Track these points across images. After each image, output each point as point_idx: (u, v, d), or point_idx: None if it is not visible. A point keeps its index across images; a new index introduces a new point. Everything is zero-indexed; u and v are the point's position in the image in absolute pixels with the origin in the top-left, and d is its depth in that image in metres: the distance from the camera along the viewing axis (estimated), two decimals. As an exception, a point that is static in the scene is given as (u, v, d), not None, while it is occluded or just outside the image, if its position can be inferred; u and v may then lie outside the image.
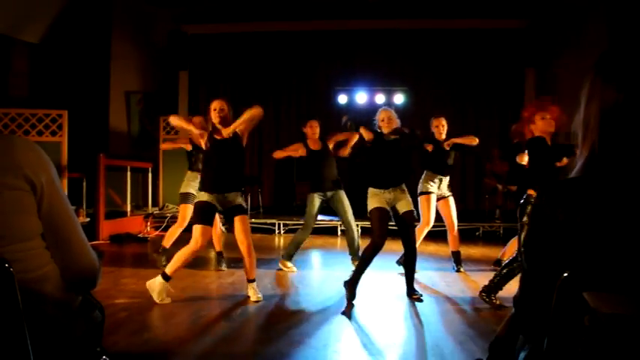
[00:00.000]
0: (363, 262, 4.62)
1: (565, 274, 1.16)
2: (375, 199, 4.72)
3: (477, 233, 9.91)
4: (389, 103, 10.95)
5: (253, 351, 3.38)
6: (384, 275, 5.82)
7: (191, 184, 6.07)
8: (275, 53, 12.04)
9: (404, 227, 4.75)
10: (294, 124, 12.17)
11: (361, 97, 11.82)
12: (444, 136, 6.17)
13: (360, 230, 7.99)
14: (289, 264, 6.14)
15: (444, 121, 6.22)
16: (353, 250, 6.07)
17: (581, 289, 1.11)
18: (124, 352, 3.23)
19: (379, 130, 4.91)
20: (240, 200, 4.75)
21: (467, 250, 8.14)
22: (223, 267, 6.12)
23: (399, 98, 11.82)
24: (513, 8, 11.18)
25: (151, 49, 11.89)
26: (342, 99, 12.02)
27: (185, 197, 6.09)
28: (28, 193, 1.37)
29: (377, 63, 11.75)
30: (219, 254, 6.24)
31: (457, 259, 6.24)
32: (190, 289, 5.08)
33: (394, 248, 6.10)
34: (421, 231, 6.03)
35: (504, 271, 4.50)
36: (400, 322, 4.08)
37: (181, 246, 4.74)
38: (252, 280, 4.72)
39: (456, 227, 6.21)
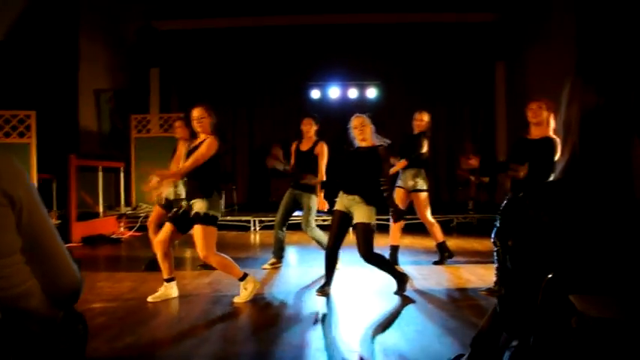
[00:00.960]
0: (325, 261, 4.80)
1: (549, 276, 1.19)
2: (338, 200, 4.84)
3: (452, 225, 10.03)
4: (362, 110, 10.98)
5: (235, 352, 3.37)
6: (362, 271, 5.86)
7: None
8: (247, 49, 11.96)
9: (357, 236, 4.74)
10: (267, 119, 12.15)
11: (334, 92, 11.85)
12: (415, 131, 6.24)
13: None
14: None
15: (418, 116, 6.30)
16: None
17: (566, 291, 1.14)
18: (106, 358, 3.20)
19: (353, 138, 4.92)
20: (198, 207, 4.50)
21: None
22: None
23: (371, 92, 11.89)
24: (483, 2, 11.31)
25: (120, 46, 11.69)
26: (315, 94, 12.04)
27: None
28: (6, 207, 1.34)
29: (349, 58, 11.78)
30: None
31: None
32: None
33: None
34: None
35: None
36: (379, 317, 4.12)
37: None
38: (241, 279, 4.63)
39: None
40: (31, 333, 1.36)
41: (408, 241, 8.20)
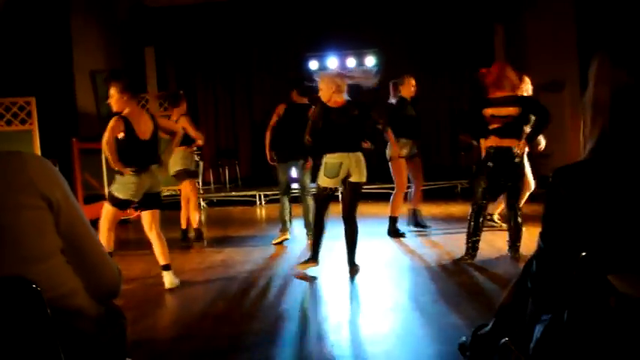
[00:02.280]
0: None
1: (583, 254, 1.22)
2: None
3: (456, 190, 10.09)
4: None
5: (256, 329, 3.43)
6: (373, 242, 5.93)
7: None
8: (242, 22, 11.78)
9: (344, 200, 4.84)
10: (266, 93, 12.05)
11: (332, 62, 11.73)
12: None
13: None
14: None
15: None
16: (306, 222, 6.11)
17: (602, 270, 1.17)
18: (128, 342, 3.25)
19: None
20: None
21: (447, 209, 8.32)
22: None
23: (370, 60, 11.78)
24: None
25: (113, 26, 11.53)
26: (314, 65, 11.91)
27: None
28: (46, 210, 1.36)
29: (346, 26, 11.61)
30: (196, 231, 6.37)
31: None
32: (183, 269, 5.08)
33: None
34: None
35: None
36: (394, 288, 4.18)
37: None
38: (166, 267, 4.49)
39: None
40: (77, 330, 1.40)
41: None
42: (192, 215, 6.29)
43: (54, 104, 9.35)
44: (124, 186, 4.33)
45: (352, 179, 4.59)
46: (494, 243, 5.39)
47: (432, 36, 11.86)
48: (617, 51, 1.31)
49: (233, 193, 10.18)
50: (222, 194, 10.11)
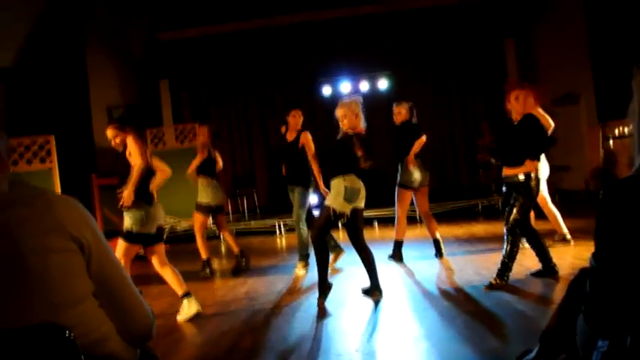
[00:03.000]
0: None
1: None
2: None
3: (477, 209, 9.94)
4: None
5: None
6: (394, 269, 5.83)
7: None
8: (254, 51, 11.90)
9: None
10: (280, 122, 12.06)
11: (345, 87, 11.76)
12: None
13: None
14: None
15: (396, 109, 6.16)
16: (299, 249, 6.02)
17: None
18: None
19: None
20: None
21: (469, 229, 8.19)
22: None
23: (382, 83, 11.80)
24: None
25: (128, 61, 11.71)
26: (327, 90, 11.96)
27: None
28: (76, 252, 1.32)
29: (358, 50, 11.65)
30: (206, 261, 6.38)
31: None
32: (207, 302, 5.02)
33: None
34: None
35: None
36: (424, 314, 4.07)
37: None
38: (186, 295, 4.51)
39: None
40: (112, 378, 1.34)
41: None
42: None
43: (72, 141, 9.46)
44: (141, 220, 4.37)
45: (361, 205, 4.61)
46: (522, 262, 5.25)
47: (444, 56, 11.86)
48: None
49: (252, 223, 10.13)
50: (242, 225, 10.06)
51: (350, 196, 4.50)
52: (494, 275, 4.54)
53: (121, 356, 1.39)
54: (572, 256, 5.37)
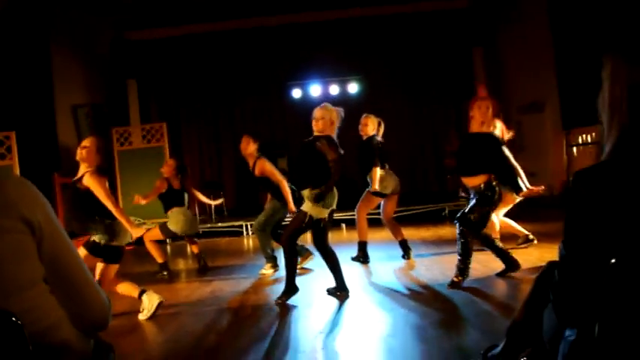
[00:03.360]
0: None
1: (613, 261, 1.14)
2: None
3: (443, 213, 10.06)
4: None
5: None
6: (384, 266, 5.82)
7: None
8: (223, 52, 11.80)
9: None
10: (249, 123, 12.01)
11: (315, 90, 11.76)
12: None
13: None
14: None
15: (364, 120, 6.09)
16: (263, 253, 6.02)
17: (635, 277, 1.09)
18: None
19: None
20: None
21: (436, 232, 8.27)
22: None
23: (353, 87, 11.85)
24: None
25: (94, 59, 11.45)
26: (297, 93, 11.95)
27: None
28: (26, 234, 1.24)
29: (328, 54, 11.67)
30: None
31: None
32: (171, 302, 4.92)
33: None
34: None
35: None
36: (390, 313, 4.06)
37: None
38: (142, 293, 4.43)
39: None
40: (63, 367, 1.27)
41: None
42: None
43: (35, 139, 9.20)
44: (125, 233, 4.34)
45: (334, 206, 4.61)
46: (488, 264, 5.30)
47: (413, 61, 11.98)
48: (630, 49, 1.26)
49: (219, 224, 10.02)
50: (209, 225, 9.94)
51: (328, 200, 4.50)
52: (455, 273, 4.63)
53: (73, 346, 1.31)
54: (536, 257, 5.44)
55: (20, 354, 1.12)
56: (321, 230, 4.62)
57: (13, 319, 1.12)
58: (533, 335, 1.82)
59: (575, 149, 10.08)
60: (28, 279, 1.25)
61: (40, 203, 1.30)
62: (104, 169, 4.34)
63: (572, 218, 1.26)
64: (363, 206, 6.11)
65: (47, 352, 1.22)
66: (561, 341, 1.38)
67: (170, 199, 6.37)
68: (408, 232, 8.07)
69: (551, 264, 1.87)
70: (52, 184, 8.23)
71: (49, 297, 1.30)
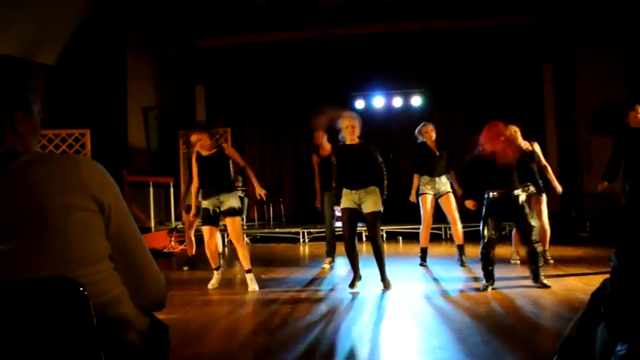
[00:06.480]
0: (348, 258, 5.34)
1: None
2: (344, 199, 5.27)
3: (504, 232, 9.76)
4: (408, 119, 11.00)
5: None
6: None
7: None
8: (290, 62, 12.02)
9: (367, 225, 5.30)
10: (312, 133, 12.13)
11: (378, 102, 11.77)
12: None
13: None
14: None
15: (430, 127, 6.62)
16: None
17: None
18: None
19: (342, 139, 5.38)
20: (231, 202, 5.45)
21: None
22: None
23: (416, 100, 11.77)
24: (525, 4, 11.05)
25: (166, 64, 11.94)
26: (359, 104, 11.98)
27: None
28: (96, 213, 1.34)
29: (393, 66, 11.68)
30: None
31: (460, 252, 6.51)
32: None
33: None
34: (423, 229, 6.59)
35: None
36: (440, 325, 4.00)
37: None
38: (249, 271, 5.49)
39: (458, 222, 6.49)
40: (121, 340, 1.35)
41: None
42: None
43: (107, 137, 9.65)
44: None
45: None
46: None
47: (480, 77, 11.79)
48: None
49: (277, 230, 10.17)
50: (266, 231, 10.10)
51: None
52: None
53: (132, 321, 1.39)
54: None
55: (84, 322, 1.20)
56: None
57: (81, 289, 1.20)
58: (586, 352, 1.76)
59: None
60: (95, 254, 1.34)
61: (110, 186, 1.39)
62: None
63: (626, 228, 1.23)
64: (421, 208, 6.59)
65: (108, 323, 1.30)
66: (612, 357, 1.34)
67: None
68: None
69: (604, 281, 1.81)
70: (122, 181, 8.59)
71: (113, 273, 1.39)
